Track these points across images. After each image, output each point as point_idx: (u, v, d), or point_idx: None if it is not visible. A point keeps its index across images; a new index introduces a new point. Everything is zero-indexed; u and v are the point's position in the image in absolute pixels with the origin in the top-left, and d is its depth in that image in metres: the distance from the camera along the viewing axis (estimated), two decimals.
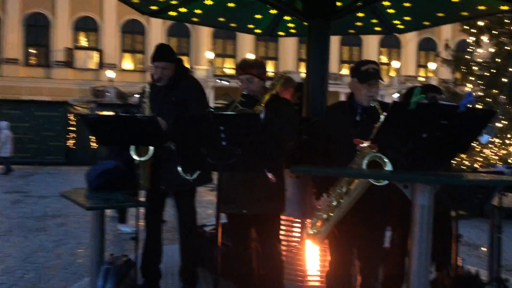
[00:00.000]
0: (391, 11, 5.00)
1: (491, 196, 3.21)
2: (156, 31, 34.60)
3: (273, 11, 5.12)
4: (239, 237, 3.34)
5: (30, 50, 34.50)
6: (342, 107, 3.05)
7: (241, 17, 5.35)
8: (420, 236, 2.36)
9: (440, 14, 4.93)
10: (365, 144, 2.63)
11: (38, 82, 33.40)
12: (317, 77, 4.02)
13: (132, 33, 35.02)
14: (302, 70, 37.65)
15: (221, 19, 5.38)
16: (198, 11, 5.08)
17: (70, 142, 19.47)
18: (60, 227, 6.77)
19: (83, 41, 35.38)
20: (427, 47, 38.97)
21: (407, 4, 4.79)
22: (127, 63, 36.11)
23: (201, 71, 31.47)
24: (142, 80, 33.93)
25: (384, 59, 39.57)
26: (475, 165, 8.61)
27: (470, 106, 2.46)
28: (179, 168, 2.86)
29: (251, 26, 5.59)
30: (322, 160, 2.97)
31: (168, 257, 4.21)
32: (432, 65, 34.74)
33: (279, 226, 3.37)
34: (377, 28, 5.54)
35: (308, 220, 3.08)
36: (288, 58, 37.05)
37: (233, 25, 5.62)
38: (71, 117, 19.63)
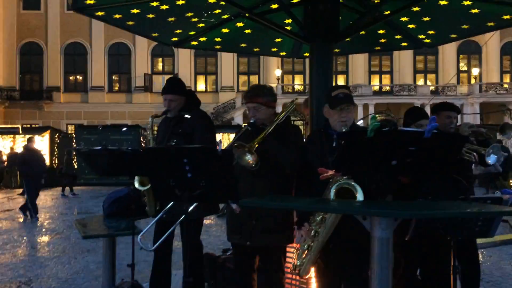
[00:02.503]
0: (412, 26, 4.81)
1: (493, 224, 2.97)
2: (227, 53, 35.65)
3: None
4: (241, 267, 3.31)
5: (113, 77, 37.11)
6: (320, 134, 3.00)
7: (262, 42, 5.42)
8: (379, 269, 2.26)
9: (465, 26, 4.67)
10: (330, 173, 2.58)
11: (120, 107, 35.66)
12: (321, 98, 3.96)
13: (204, 56, 36.35)
14: (373, 83, 36.86)
15: (243, 45, 5.48)
16: (218, 39, 5.22)
17: None
18: None
19: (160, 66, 37.40)
20: (511, 51, 36.46)
21: (426, 19, 4.59)
22: (201, 84, 37.53)
23: None
24: (214, 101, 35.13)
25: (463, 66, 37.61)
26: None
27: (436, 131, 2.34)
28: None
29: (274, 49, 5.63)
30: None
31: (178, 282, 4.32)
32: None
33: (284, 257, 3.29)
34: (404, 44, 5.34)
35: (294, 251, 3.04)
36: (359, 71, 36.41)
37: (256, 49, 5.71)
38: (142, 139, 20.77)
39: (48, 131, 19.23)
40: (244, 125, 3.22)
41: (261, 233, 2.99)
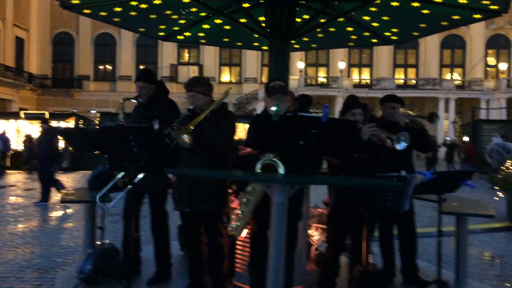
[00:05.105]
0: (375, 24, 5.22)
1: (401, 199, 3.41)
2: None
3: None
4: (188, 231, 3.87)
5: (140, 68, 38.20)
6: None
7: (243, 37, 5.90)
8: (277, 228, 2.74)
9: (423, 25, 5.04)
10: (248, 150, 3.08)
11: None
12: None
13: (229, 47, 36.92)
14: (397, 76, 36.67)
15: (226, 40, 5.99)
16: (201, 34, 5.75)
17: None
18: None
19: (186, 57, 38.25)
20: None
21: (385, 18, 4.99)
22: (226, 75, 38.16)
23: (292, 81, 32.18)
24: (238, 91, 35.73)
25: (492, 60, 36.97)
26: None
27: (330, 117, 2.82)
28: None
29: (256, 44, 6.11)
30: None
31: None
32: None
33: (222, 222, 3.78)
34: (374, 40, 5.74)
35: (232, 216, 3.56)
36: (384, 65, 36.29)
37: (239, 44, 6.21)
38: None
39: (74, 118, 20.24)
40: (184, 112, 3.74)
41: (198, 201, 3.50)
